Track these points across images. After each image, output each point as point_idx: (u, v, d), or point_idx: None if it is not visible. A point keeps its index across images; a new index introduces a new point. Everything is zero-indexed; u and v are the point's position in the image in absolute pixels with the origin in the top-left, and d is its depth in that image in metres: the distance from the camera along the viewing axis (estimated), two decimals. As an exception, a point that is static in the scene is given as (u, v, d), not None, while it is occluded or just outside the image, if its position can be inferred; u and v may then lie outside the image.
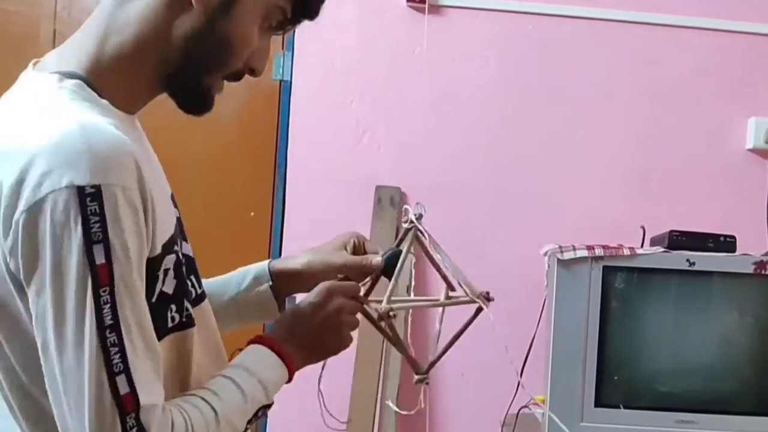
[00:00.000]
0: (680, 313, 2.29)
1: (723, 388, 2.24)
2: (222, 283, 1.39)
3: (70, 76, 1.06)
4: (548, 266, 2.30)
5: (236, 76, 1.16)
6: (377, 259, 1.31)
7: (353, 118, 2.83)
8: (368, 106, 2.84)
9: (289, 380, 1.20)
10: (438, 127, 2.79)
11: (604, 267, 2.19)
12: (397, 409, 1.41)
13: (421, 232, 1.29)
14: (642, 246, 2.35)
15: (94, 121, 1.00)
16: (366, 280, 1.33)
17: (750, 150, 2.78)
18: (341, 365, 2.73)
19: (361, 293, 1.29)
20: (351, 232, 1.38)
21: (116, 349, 0.94)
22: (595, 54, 2.80)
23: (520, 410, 2.33)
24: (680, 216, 2.56)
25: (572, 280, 2.19)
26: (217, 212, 2.86)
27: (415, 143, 2.80)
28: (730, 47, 2.80)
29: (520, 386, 2.35)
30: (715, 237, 2.25)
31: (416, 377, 1.30)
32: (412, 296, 2.59)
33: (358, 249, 1.36)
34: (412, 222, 1.28)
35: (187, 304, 1.11)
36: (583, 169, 2.78)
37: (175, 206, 1.18)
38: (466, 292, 1.25)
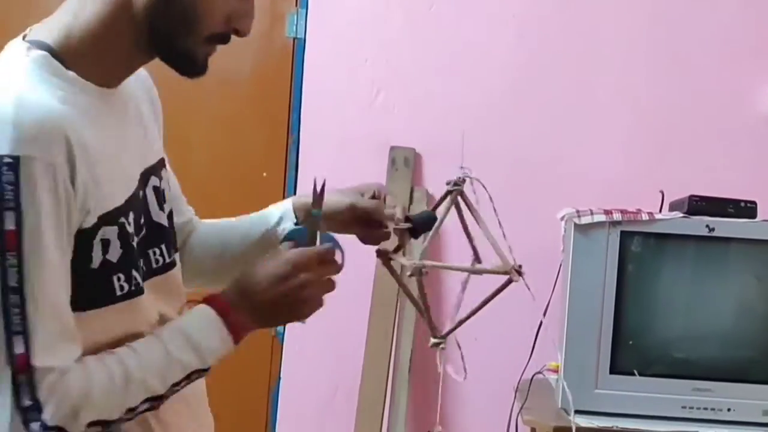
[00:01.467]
0: (698, 279, 2.25)
1: (740, 357, 2.22)
2: (247, 222, 1.40)
3: (40, 46, 1.08)
4: (565, 231, 2.27)
5: (221, 39, 1.14)
6: (389, 211, 1.31)
7: (367, 78, 2.79)
8: (383, 66, 2.80)
9: (236, 343, 1.17)
10: (454, 87, 2.74)
11: (622, 232, 2.15)
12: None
13: (463, 198, 1.27)
14: (660, 211, 2.31)
15: (35, 95, 1.03)
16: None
17: (771, 114, 2.73)
18: (354, 328, 2.73)
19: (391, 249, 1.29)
20: (375, 183, 1.39)
21: (17, 310, 0.99)
22: (615, 15, 2.74)
23: (533, 376, 2.32)
24: (700, 180, 2.51)
25: (589, 245, 2.15)
26: (230, 173, 2.84)
27: (430, 103, 2.76)
28: (751, 11, 2.73)
29: (533, 352, 2.34)
30: (735, 202, 2.21)
31: (432, 340, 1.28)
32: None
33: (377, 198, 1.36)
34: (456, 185, 1.26)
35: (135, 273, 1.13)
36: (603, 132, 2.73)
37: (158, 176, 1.22)
38: (503, 261, 1.23)
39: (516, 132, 2.75)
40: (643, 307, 2.21)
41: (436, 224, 1.25)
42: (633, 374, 2.16)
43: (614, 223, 2.15)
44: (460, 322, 1.29)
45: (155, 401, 1.09)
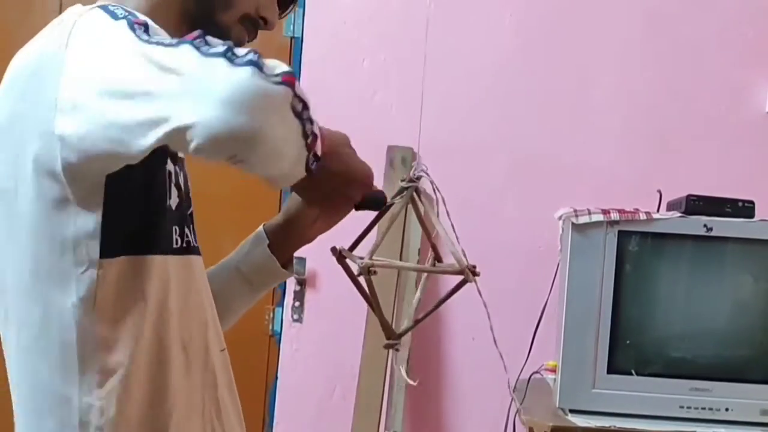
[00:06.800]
0: (696, 279, 2.25)
1: (738, 357, 2.21)
2: (225, 260, 1.40)
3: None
4: (562, 230, 2.27)
5: (252, 24, 1.20)
6: None
7: (365, 77, 2.79)
8: (380, 65, 2.79)
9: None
10: (451, 86, 2.74)
11: (620, 232, 2.14)
12: (407, 380, 1.35)
13: (418, 194, 1.22)
14: (658, 210, 2.30)
15: None
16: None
17: (769, 113, 2.73)
18: (351, 327, 2.72)
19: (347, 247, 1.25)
20: None
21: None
22: (612, 14, 2.74)
23: (531, 376, 2.31)
24: (698, 180, 2.51)
25: (587, 244, 2.14)
26: (226, 173, 2.81)
27: (428, 103, 2.74)
28: (750, 8, 2.72)
29: (531, 351, 2.34)
30: (733, 202, 2.20)
31: (385, 342, 1.23)
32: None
33: None
34: (411, 181, 1.21)
35: (187, 230, 1.14)
36: (600, 132, 2.73)
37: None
38: (458, 261, 1.16)
39: (513, 131, 2.74)
40: (640, 307, 2.20)
41: (389, 219, 1.21)
42: (631, 374, 2.15)
43: (612, 223, 2.14)
44: (415, 323, 1.25)
45: None
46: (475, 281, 1.15)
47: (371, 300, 1.19)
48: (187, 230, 1.15)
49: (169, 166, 1.10)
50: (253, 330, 2.80)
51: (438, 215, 1.22)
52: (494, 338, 1.28)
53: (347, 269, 1.21)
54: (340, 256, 1.22)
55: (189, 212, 1.19)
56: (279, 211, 2.75)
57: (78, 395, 1.05)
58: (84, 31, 0.99)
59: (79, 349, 1.05)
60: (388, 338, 1.22)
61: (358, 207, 1.21)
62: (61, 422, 1.06)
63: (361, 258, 1.14)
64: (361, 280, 1.17)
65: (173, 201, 1.11)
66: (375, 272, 1.13)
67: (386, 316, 2.38)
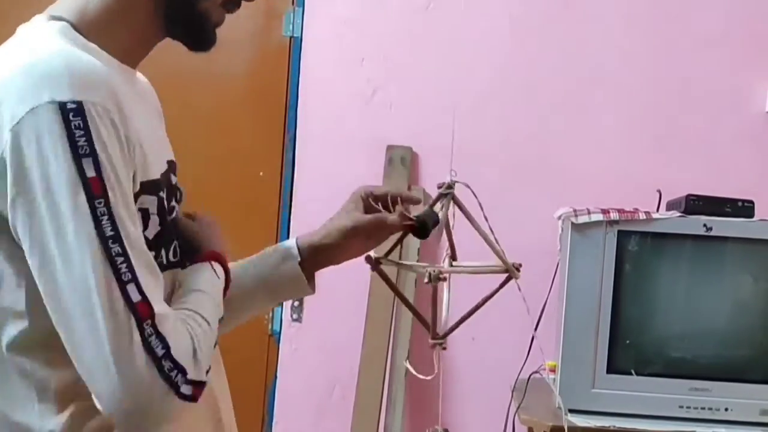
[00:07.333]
0: (696, 278, 2.25)
1: (738, 357, 2.21)
2: (252, 263, 1.37)
3: (58, 19, 1.07)
4: (562, 230, 2.27)
5: (235, 4, 1.17)
6: (392, 218, 1.27)
7: (364, 77, 2.78)
8: (379, 64, 2.79)
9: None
10: (450, 85, 2.73)
11: (619, 231, 2.15)
12: (414, 372, 1.36)
13: (455, 200, 1.24)
14: (658, 210, 2.30)
15: (75, 51, 1.01)
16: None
17: (769, 113, 2.73)
18: (351, 326, 2.72)
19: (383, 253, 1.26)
20: (358, 188, 1.35)
21: (122, 258, 0.94)
22: (612, 14, 2.74)
23: (531, 375, 2.31)
24: (697, 179, 2.51)
25: (586, 244, 2.15)
26: (226, 172, 2.83)
27: (427, 102, 2.75)
28: (750, 9, 2.72)
29: (530, 351, 2.33)
30: (732, 202, 2.21)
31: (431, 341, 1.25)
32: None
33: (367, 204, 1.33)
34: (449, 187, 1.23)
35: (164, 253, 1.11)
36: (600, 131, 2.73)
37: (174, 173, 1.19)
38: (502, 261, 1.22)
39: (513, 130, 2.74)
40: (640, 307, 2.20)
41: (438, 228, 1.22)
42: (630, 374, 2.15)
43: (611, 223, 2.14)
44: (461, 321, 1.26)
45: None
46: (515, 282, 1.22)
47: (411, 304, 1.24)
48: (163, 250, 1.11)
49: (143, 202, 1.05)
50: (253, 330, 2.80)
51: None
52: (534, 336, 1.33)
53: (384, 276, 1.24)
54: (376, 262, 1.24)
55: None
56: (278, 213, 2.80)
57: (38, 424, 1.03)
58: (33, 154, 0.94)
59: (35, 377, 1.03)
60: (433, 338, 1.24)
61: (425, 234, 1.22)
62: None
63: (428, 266, 1.15)
64: (388, 279, 1.21)
65: (150, 231, 1.07)
66: (445, 279, 1.15)
67: (389, 315, 2.40)
